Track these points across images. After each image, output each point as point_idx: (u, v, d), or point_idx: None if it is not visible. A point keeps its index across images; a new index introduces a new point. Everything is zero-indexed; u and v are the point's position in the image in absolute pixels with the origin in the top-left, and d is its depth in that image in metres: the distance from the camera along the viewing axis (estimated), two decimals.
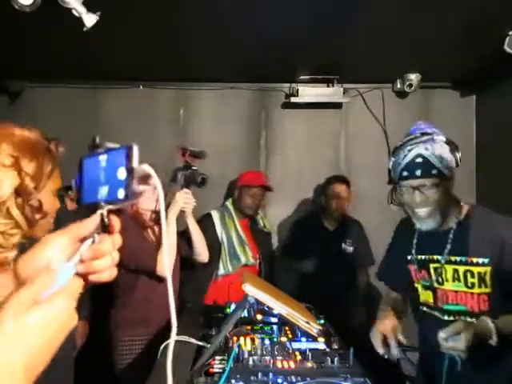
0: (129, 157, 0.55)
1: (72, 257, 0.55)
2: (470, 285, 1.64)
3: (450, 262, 1.69)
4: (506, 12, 2.40)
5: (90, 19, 2.23)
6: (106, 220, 0.58)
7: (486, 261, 1.59)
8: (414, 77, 3.65)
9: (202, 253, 2.58)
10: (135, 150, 0.55)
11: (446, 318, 1.70)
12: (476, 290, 1.63)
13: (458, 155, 1.63)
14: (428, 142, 1.60)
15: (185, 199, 2.36)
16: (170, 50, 3.10)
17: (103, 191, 0.58)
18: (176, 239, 2.35)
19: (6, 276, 0.91)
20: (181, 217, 2.41)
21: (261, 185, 3.24)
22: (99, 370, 2.28)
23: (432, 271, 1.75)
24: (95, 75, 3.72)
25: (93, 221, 0.57)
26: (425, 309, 1.80)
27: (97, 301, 2.60)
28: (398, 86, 3.81)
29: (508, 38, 2.65)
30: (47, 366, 0.51)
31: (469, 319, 1.62)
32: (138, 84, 3.90)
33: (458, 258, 1.67)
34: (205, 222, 3.02)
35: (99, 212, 0.58)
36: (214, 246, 2.92)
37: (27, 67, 3.50)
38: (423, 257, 1.79)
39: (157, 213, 2.37)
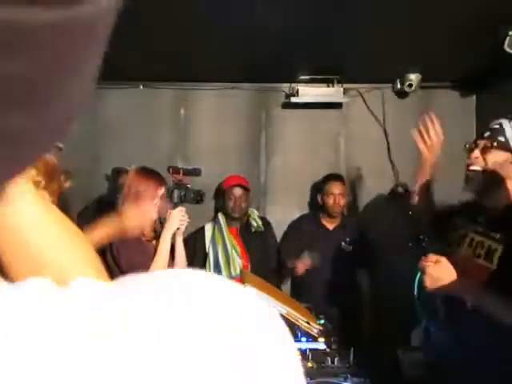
0: None
1: None
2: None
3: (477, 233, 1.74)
4: (506, 12, 2.40)
5: None
6: None
7: (497, 236, 1.62)
8: (414, 77, 3.64)
9: None
10: None
11: None
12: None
13: None
14: None
15: (180, 217, 2.41)
16: (170, 50, 3.09)
17: None
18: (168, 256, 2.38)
19: None
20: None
21: (237, 184, 3.28)
22: None
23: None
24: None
25: None
26: None
27: None
28: (398, 86, 3.80)
29: (508, 38, 2.65)
30: None
31: None
32: (138, 84, 3.89)
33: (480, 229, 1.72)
34: (197, 237, 3.10)
35: None
36: (199, 260, 3.05)
37: None
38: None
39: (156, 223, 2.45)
